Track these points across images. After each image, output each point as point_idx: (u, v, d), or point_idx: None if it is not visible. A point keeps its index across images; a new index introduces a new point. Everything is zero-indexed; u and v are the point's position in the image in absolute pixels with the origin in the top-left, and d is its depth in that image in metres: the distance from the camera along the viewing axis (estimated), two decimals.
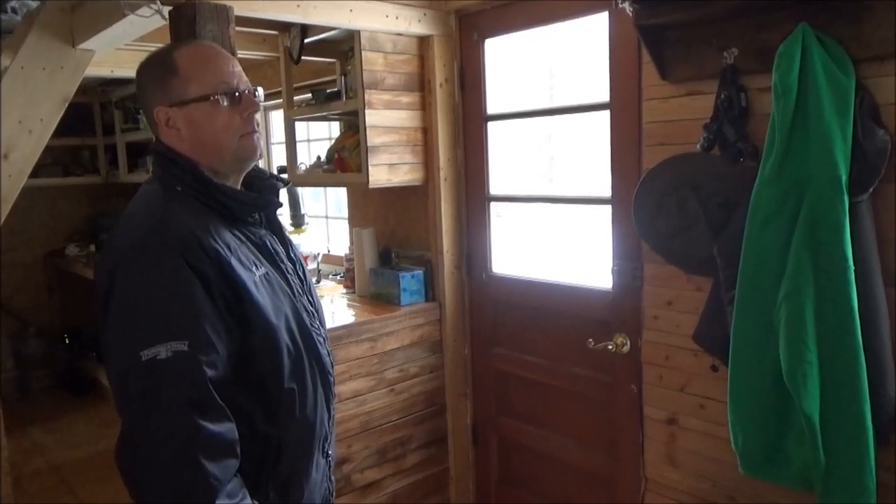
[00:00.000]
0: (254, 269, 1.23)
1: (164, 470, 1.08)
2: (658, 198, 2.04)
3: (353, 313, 2.83)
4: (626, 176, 2.26)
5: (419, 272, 2.89)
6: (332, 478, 1.46)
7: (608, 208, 2.35)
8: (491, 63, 2.74)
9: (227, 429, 1.13)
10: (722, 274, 1.87)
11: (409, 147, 2.77)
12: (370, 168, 2.65)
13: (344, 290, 3.24)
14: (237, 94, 1.27)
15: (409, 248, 3.07)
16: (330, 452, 1.42)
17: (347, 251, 3.32)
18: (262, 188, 1.39)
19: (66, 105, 2.49)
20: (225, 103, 1.25)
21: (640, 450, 2.33)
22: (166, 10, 2.00)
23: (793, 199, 1.67)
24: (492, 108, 2.76)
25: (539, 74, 2.91)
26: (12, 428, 3.49)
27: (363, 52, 2.58)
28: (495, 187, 2.82)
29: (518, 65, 2.85)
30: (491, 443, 2.95)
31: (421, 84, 2.79)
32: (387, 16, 2.55)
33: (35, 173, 2.82)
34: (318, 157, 3.15)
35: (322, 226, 4.08)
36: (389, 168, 2.72)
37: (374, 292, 3.00)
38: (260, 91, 1.33)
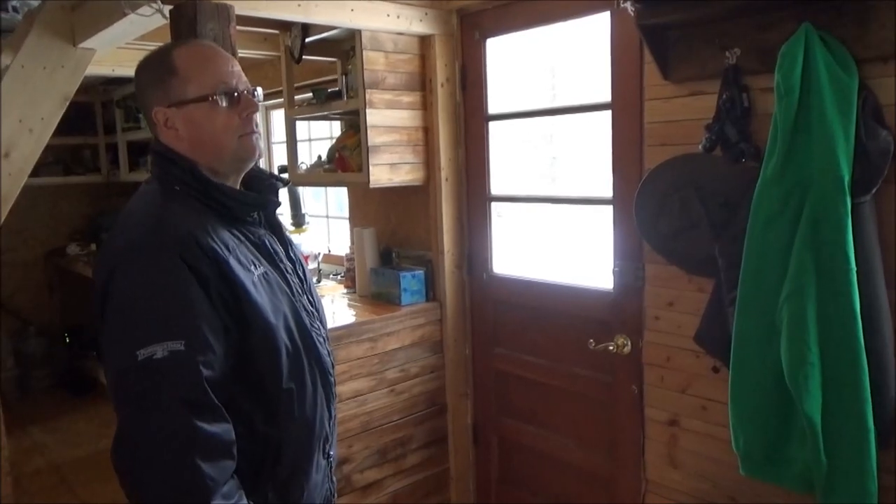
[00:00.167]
0: (252, 268, 1.23)
1: (159, 470, 1.07)
2: (660, 198, 2.04)
3: (354, 313, 2.83)
4: (627, 176, 2.25)
5: (420, 272, 2.88)
6: (334, 479, 1.46)
7: (609, 208, 2.34)
8: (492, 63, 2.73)
9: (224, 429, 1.12)
10: (724, 275, 1.87)
11: (410, 147, 2.77)
12: (371, 168, 2.64)
13: (344, 290, 3.24)
14: (236, 94, 1.26)
15: (409, 248, 3.07)
16: (331, 453, 1.42)
17: (348, 251, 3.32)
18: (262, 188, 1.38)
19: (67, 104, 2.49)
20: (224, 103, 1.25)
21: (640, 451, 2.33)
22: (167, 9, 2.00)
23: (795, 200, 1.67)
24: (493, 107, 2.75)
25: (541, 74, 2.91)
26: (12, 427, 3.49)
27: (364, 52, 2.58)
28: (496, 187, 2.82)
29: (519, 64, 2.85)
30: (491, 443, 2.94)
31: (422, 83, 2.78)
32: (388, 15, 2.55)
33: (36, 172, 2.82)
34: (319, 157, 3.14)
35: (323, 225, 4.08)
36: (390, 168, 2.71)
37: (375, 292, 3.00)
38: (259, 91, 1.32)
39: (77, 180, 5.05)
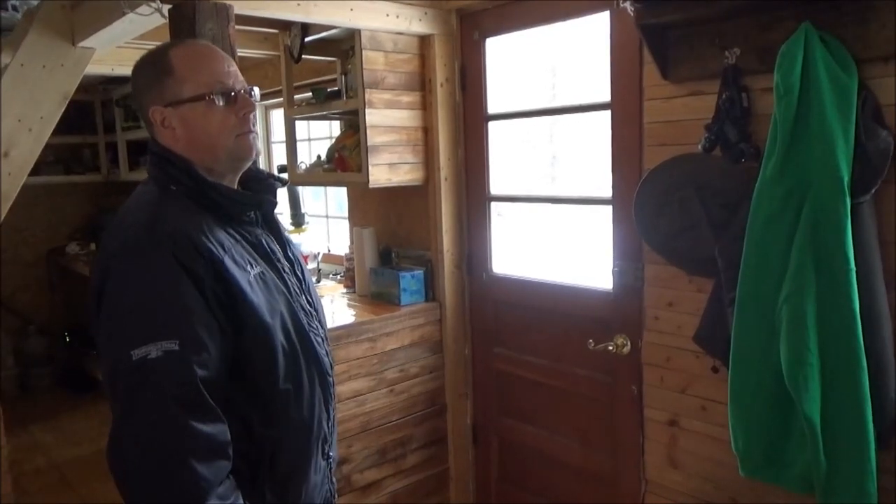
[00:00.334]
0: (248, 268, 1.22)
1: (153, 470, 1.07)
2: (659, 198, 2.04)
3: (353, 313, 2.83)
4: (627, 176, 2.25)
5: (419, 272, 2.88)
6: (334, 479, 1.46)
7: (609, 208, 2.34)
8: (492, 62, 2.73)
9: (219, 430, 1.12)
10: (723, 275, 1.86)
11: (409, 146, 2.77)
12: (370, 167, 2.64)
13: (344, 290, 3.24)
14: (233, 93, 1.26)
15: (409, 248, 3.07)
16: (331, 454, 1.41)
17: (348, 251, 3.31)
18: (260, 188, 1.38)
19: (67, 103, 2.49)
20: (220, 103, 1.24)
21: (640, 451, 2.33)
22: (166, 8, 2.00)
23: (795, 200, 1.66)
24: (492, 107, 2.75)
25: (541, 73, 2.91)
26: (13, 426, 3.49)
27: (364, 51, 2.58)
28: (496, 187, 2.81)
29: (519, 64, 2.85)
30: (491, 443, 2.94)
31: (422, 83, 2.78)
32: (387, 15, 2.55)
33: (36, 171, 2.82)
34: (319, 157, 3.14)
35: (322, 225, 4.08)
36: (390, 167, 2.71)
37: (375, 292, 3.00)
38: (256, 90, 1.32)
39: (77, 179, 5.05)
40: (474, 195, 2.85)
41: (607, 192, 2.34)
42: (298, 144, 3.18)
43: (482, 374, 2.94)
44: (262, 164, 4.09)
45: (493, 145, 2.79)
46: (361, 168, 2.68)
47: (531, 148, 3.08)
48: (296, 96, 3.06)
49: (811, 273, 1.64)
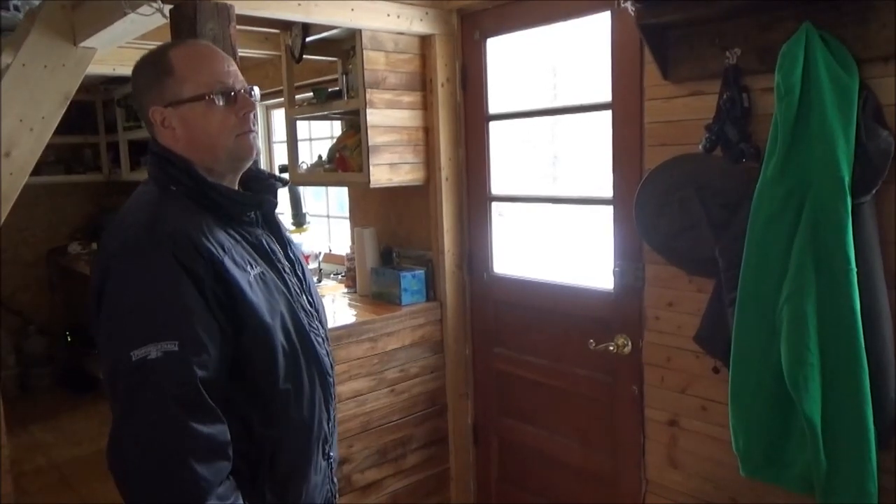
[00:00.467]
0: (248, 268, 1.22)
1: (153, 471, 1.07)
2: (660, 198, 2.03)
3: (354, 313, 2.83)
4: (627, 176, 2.25)
5: (420, 272, 2.88)
6: (335, 479, 1.45)
7: (610, 208, 2.34)
8: (493, 62, 2.73)
9: (219, 430, 1.12)
10: (723, 275, 1.86)
11: (410, 146, 2.77)
12: (371, 167, 2.64)
13: (345, 290, 3.24)
14: (233, 93, 1.26)
15: (410, 248, 3.07)
16: (331, 454, 1.41)
17: (349, 250, 3.32)
18: (261, 188, 1.38)
19: (68, 103, 2.49)
20: (220, 102, 1.24)
21: (641, 451, 2.33)
22: (167, 8, 2.00)
23: (795, 201, 1.66)
24: (493, 107, 2.75)
25: (542, 73, 2.91)
26: (13, 426, 3.49)
27: (364, 51, 2.58)
28: (497, 187, 2.81)
29: (520, 64, 2.85)
30: (491, 443, 2.94)
31: (422, 83, 2.78)
32: (388, 15, 2.55)
33: (37, 171, 2.82)
34: (320, 157, 3.14)
35: (323, 225, 4.08)
36: (391, 167, 2.71)
37: (375, 292, 3.00)
38: (256, 90, 1.32)
39: (78, 179, 5.06)
40: (475, 195, 2.85)
41: (608, 192, 2.34)
42: (299, 144, 3.18)
43: (483, 374, 2.94)
44: (263, 165, 4.09)
45: (493, 145, 2.79)
46: (362, 168, 2.69)
47: (532, 148, 3.08)
48: (297, 96, 3.06)
49: (812, 273, 1.63)
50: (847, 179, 1.59)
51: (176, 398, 1.08)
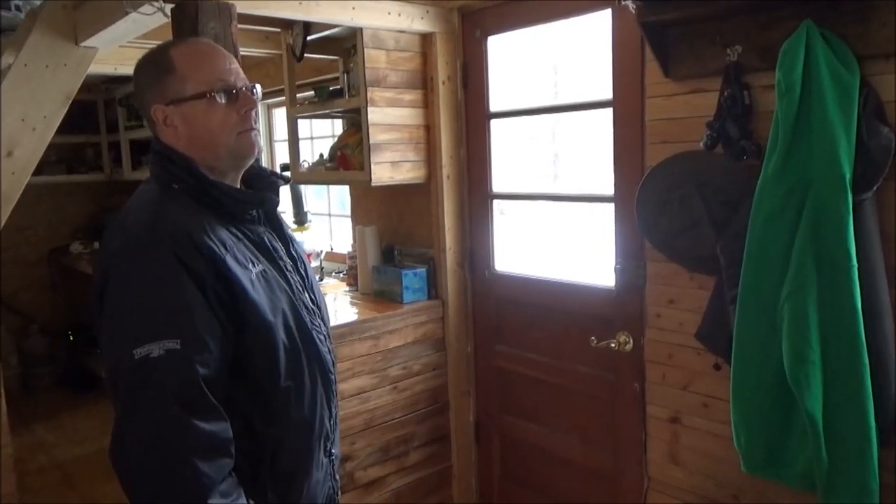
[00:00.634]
0: (250, 266, 1.23)
1: (155, 469, 1.08)
2: (661, 196, 2.04)
3: (356, 311, 2.83)
4: (628, 174, 2.25)
5: (422, 270, 2.89)
6: (337, 477, 1.46)
7: (611, 206, 2.34)
8: (494, 60, 2.73)
9: (221, 428, 1.13)
10: (725, 272, 1.86)
11: (411, 145, 2.77)
12: (373, 166, 2.65)
13: (347, 288, 3.25)
14: (234, 91, 1.26)
15: (411, 246, 3.07)
16: (333, 452, 1.41)
17: (350, 249, 3.32)
18: (263, 186, 1.38)
19: (70, 102, 2.49)
20: (222, 100, 1.25)
21: (642, 448, 2.33)
22: (168, 7, 2.00)
23: (796, 198, 1.66)
24: (494, 105, 2.75)
25: (543, 71, 2.90)
26: (16, 425, 3.49)
27: (366, 50, 2.58)
28: (498, 185, 2.82)
29: (521, 62, 2.85)
30: (493, 440, 2.95)
31: (423, 81, 2.78)
32: (389, 13, 2.55)
33: (39, 171, 2.82)
34: (321, 155, 3.15)
35: (325, 223, 4.08)
36: (392, 166, 2.72)
37: (377, 290, 3.00)
38: (258, 88, 1.32)
39: (80, 179, 5.06)
40: (476, 193, 2.85)
41: (609, 190, 2.34)
42: (301, 143, 3.18)
43: (484, 372, 2.94)
44: (264, 163, 4.09)
45: (495, 143, 2.79)
46: (364, 166, 2.69)
47: (533, 145, 3.08)
48: (298, 95, 3.06)
49: (813, 270, 1.64)
50: (848, 176, 1.59)
51: (178, 396, 1.09)
